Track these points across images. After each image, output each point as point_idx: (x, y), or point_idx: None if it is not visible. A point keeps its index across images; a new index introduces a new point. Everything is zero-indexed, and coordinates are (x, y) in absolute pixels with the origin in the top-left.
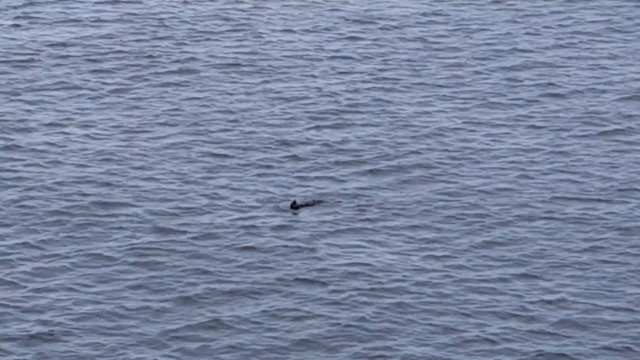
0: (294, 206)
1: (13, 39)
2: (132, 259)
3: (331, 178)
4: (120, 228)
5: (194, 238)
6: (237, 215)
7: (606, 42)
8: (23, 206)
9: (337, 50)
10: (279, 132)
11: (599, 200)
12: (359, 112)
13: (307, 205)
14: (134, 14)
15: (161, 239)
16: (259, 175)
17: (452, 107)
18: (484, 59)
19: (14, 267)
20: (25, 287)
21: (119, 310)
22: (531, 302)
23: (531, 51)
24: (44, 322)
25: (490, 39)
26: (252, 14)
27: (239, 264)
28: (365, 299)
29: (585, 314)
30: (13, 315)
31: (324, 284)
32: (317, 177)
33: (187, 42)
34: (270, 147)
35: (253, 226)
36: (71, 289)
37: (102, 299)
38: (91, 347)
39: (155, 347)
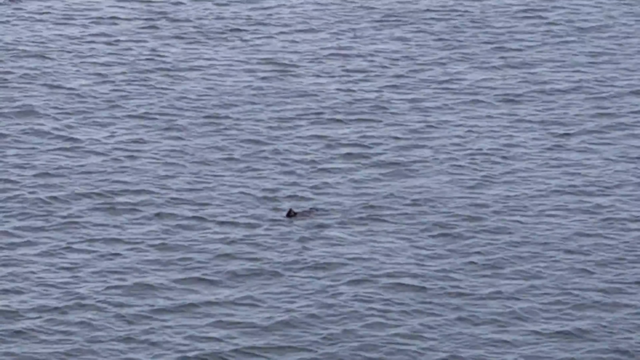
0: (290, 214)
1: (31, 31)
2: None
3: (339, 179)
4: (141, 219)
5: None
6: (242, 210)
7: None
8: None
9: (352, 48)
10: (291, 131)
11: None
12: (378, 110)
13: (303, 213)
14: (149, 11)
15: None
16: (267, 173)
17: (465, 107)
18: (505, 58)
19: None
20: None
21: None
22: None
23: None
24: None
25: (511, 39)
26: (268, 12)
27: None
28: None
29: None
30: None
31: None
32: (324, 178)
33: (200, 40)
34: (282, 146)
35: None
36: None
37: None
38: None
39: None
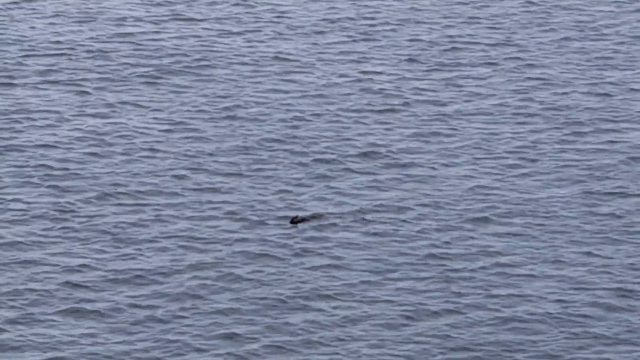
0: (295, 221)
1: (49, 30)
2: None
3: (354, 176)
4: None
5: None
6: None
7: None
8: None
9: (366, 48)
10: (305, 129)
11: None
12: (392, 109)
13: (308, 220)
14: (165, 9)
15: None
16: (281, 170)
17: (477, 105)
18: (514, 57)
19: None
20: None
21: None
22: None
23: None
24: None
25: (522, 37)
26: (281, 11)
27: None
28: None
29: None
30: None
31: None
32: (338, 175)
33: (215, 38)
34: (296, 143)
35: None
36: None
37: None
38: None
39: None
